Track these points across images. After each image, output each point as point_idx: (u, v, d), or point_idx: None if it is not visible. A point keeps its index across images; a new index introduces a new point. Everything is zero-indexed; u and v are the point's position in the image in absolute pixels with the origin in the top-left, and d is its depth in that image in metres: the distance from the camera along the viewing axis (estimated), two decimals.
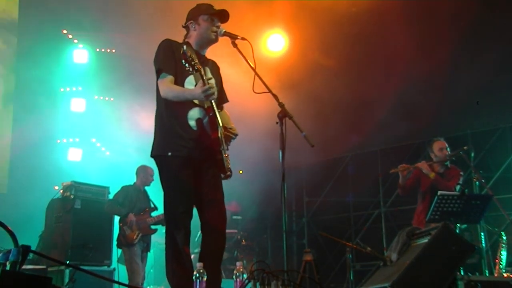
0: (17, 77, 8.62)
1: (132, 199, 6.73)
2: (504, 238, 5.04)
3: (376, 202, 8.88)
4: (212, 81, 3.59)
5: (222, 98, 3.85)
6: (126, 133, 8.95)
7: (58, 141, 8.95)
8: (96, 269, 6.05)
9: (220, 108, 3.78)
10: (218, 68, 3.88)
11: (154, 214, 6.79)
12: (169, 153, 3.47)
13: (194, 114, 3.52)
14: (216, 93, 3.51)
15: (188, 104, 3.51)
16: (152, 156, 3.60)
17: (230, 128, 3.69)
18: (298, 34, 7.98)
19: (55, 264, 5.53)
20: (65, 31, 8.80)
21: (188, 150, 3.47)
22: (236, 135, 3.71)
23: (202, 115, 3.52)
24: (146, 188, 7.01)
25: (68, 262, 5.89)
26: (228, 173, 3.56)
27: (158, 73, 3.55)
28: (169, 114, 3.55)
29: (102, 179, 7.55)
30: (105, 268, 6.36)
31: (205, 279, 2.95)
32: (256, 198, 8.98)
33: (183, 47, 3.29)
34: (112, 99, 9.32)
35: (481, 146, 7.46)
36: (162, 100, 3.56)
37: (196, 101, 3.51)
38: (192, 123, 3.51)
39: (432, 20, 6.81)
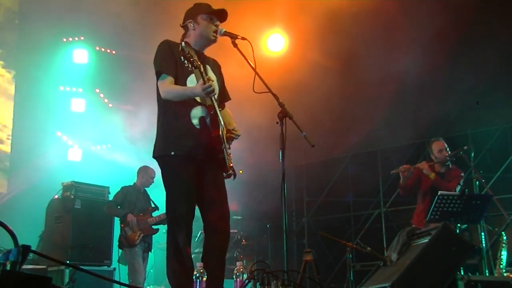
0: (17, 78, 8.61)
1: (132, 199, 6.72)
2: (504, 238, 5.04)
3: (376, 202, 8.87)
4: (214, 79, 3.59)
5: (224, 97, 3.84)
6: (127, 133, 8.95)
7: (59, 133, 8.94)
8: (96, 269, 6.06)
9: (222, 106, 3.78)
10: (219, 67, 3.87)
11: (155, 214, 6.78)
12: (172, 153, 3.47)
13: (197, 112, 3.52)
14: (216, 90, 3.52)
15: (191, 102, 3.50)
16: (154, 156, 3.60)
17: (233, 129, 3.68)
18: (298, 34, 7.98)
19: (55, 264, 5.53)
20: (64, 39, 8.82)
21: (190, 149, 3.47)
22: (238, 135, 3.71)
23: (204, 114, 3.51)
24: (146, 187, 7.01)
25: (68, 262, 5.89)
26: (230, 171, 3.55)
27: (158, 75, 3.55)
28: (171, 113, 3.54)
29: (102, 179, 7.55)
30: (105, 268, 6.36)
31: (205, 279, 2.95)
32: (256, 198, 8.98)
33: (181, 44, 3.30)
34: (110, 105, 9.31)
35: (481, 146, 7.46)
36: (163, 100, 3.56)
37: (198, 99, 3.50)
38: (195, 121, 3.50)
39: (432, 20, 6.81)
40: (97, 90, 9.27)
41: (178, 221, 3.46)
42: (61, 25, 8.59)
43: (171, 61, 3.53)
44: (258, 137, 7.16)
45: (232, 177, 3.60)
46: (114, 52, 9.11)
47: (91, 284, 5.42)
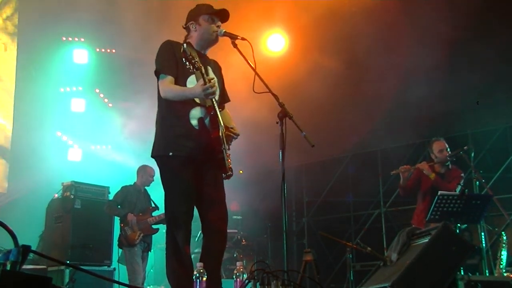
0: (17, 78, 8.61)
1: (132, 199, 6.72)
2: (504, 238, 5.04)
3: (376, 202, 8.87)
4: (214, 80, 3.58)
5: (223, 98, 3.85)
6: (127, 132, 8.95)
7: (59, 133, 8.94)
8: (96, 269, 6.06)
9: (221, 107, 3.78)
10: (220, 68, 3.88)
11: (155, 213, 6.78)
12: (170, 153, 3.47)
13: (196, 113, 3.52)
14: (217, 91, 3.52)
15: (190, 103, 3.51)
16: (152, 156, 3.60)
17: (232, 128, 3.69)
18: (298, 34, 7.97)
19: (55, 264, 5.53)
20: (64, 38, 8.82)
21: (189, 150, 3.47)
22: (237, 135, 3.71)
23: (203, 114, 3.52)
24: (146, 187, 7.01)
25: (68, 262, 5.89)
26: (229, 172, 3.55)
27: (158, 74, 3.56)
28: (170, 114, 3.55)
29: (102, 179, 7.55)
30: (105, 268, 6.36)
31: (205, 279, 2.95)
32: (256, 198, 8.99)
33: (183, 46, 3.31)
34: (110, 105, 9.30)
35: (481, 146, 7.46)
36: (163, 100, 3.56)
37: (197, 100, 3.51)
38: (194, 122, 3.51)
39: (432, 19, 6.81)
40: (97, 90, 9.27)
41: (177, 221, 3.46)
42: (61, 26, 8.59)
43: (172, 61, 3.53)
44: (258, 137, 7.16)
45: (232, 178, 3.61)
46: (114, 50, 9.11)
47: (91, 284, 5.41)
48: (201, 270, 2.96)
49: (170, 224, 3.52)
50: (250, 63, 3.48)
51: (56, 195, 6.71)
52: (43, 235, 6.56)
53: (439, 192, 4.89)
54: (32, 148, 8.28)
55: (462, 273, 3.93)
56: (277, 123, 3.35)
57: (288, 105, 3.37)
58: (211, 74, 3.66)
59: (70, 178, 6.73)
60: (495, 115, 7.36)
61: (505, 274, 4.72)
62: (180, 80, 3.54)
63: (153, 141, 3.64)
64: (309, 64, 7.74)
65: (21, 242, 1.91)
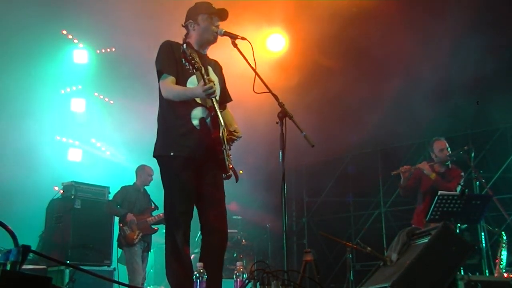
0: (16, 78, 8.60)
1: (132, 199, 6.73)
2: (504, 238, 5.04)
3: (376, 202, 8.88)
4: (216, 80, 3.58)
5: (225, 97, 3.85)
6: (127, 133, 8.94)
7: (58, 137, 8.94)
8: (96, 269, 6.06)
9: (223, 107, 3.79)
10: (220, 68, 3.88)
11: (154, 213, 6.79)
12: (171, 153, 3.47)
13: (197, 113, 3.52)
14: (218, 91, 3.52)
15: (191, 103, 3.51)
16: (154, 156, 3.61)
17: (234, 131, 3.69)
18: (298, 34, 7.97)
19: (55, 264, 5.54)
20: (64, 32, 8.80)
21: (190, 150, 3.47)
22: (239, 137, 3.71)
23: (205, 115, 3.52)
24: (146, 187, 7.01)
25: (68, 262, 5.89)
26: (230, 173, 3.55)
27: (159, 74, 3.56)
28: (171, 114, 3.55)
29: (102, 179, 7.54)
30: (105, 268, 6.36)
31: (205, 279, 2.95)
32: (256, 198, 8.99)
33: (182, 46, 3.31)
34: (111, 102, 9.30)
35: (481, 146, 7.46)
36: (164, 100, 3.57)
37: (199, 100, 3.51)
38: (195, 122, 3.51)
39: (431, 19, 6.81)
40: (96, 94, 9.27)
41: (176, 220, 3.46)
42: (61, 26, 8.58)
43: (173, 61, 3.54)
44: (258, 137, 7.16)
45: (234, 179, 3.60)
46: (114, 49, 9.10)
47: (91, 284, 5.42)
48: (201, 270, 2.96)
49: (170, 224, 3.52)
50: (250, 63, 3.48)
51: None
52: (43, 235, 6.57)
53: (439, 192, 4.90)
54: (32, 148, 8.27)
55: (462, 273, 3.94)
56: (277, 123, 3.35)
57: (288, 105, 3.37)
58: (211, 74, 3.66)
59: (70, 178, 6.74)
60: (495, 115, 7.36)
61: (505, 274, 4.73)
62: (180, 81, 3.54)
63: (153, 141, 3.65)
64: (309, 64, 7.74)
65: (21, 242, 1.91)
